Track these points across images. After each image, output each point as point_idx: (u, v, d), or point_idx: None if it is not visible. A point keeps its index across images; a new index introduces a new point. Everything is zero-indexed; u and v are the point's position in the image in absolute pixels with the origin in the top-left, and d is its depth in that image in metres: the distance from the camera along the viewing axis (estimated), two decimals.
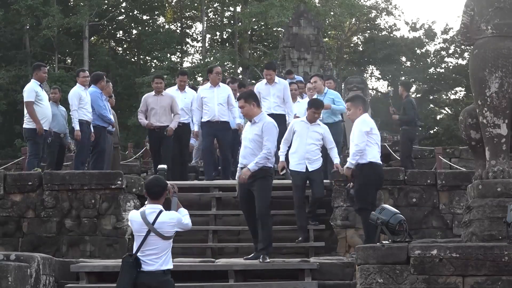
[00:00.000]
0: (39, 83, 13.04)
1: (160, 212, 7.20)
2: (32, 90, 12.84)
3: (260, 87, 13.31)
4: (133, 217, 7.29)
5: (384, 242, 8.22)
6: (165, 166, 9.29)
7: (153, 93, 13.90)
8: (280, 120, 12.29)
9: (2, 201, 11.44)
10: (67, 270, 9.55)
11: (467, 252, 7.61)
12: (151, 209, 7.24)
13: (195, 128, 13.56)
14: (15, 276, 8.06)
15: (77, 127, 13.00)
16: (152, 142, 14.05)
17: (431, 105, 42.18)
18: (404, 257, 7.73)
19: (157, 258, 7.14)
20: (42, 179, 11.49)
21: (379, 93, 44.37)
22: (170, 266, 7.23)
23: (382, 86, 46.11)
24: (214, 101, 13.07)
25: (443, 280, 7.60)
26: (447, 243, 8.22)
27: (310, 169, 11.00)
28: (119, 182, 11.39)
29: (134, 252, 7.14)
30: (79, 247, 11.29)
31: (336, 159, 11.29)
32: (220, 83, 13.39)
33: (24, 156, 15.62)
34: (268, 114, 11.94)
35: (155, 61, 37.46)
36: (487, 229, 8.28)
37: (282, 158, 11.20)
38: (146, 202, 7.48)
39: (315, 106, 11.26)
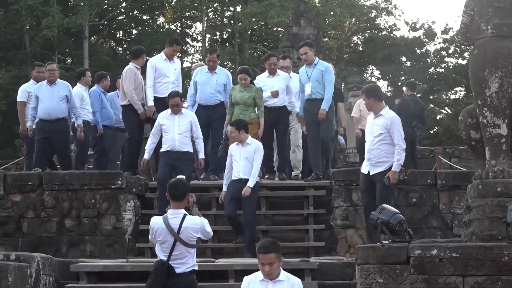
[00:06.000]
0: (36, 83, 13.11)
1: (184, 216, 7.18)
2: (24, 90, 13.02)
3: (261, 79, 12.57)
4: (157, 224, 7.24)
5: (384, 242, 8.23)
6: (183, 176, 9.22)
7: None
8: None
9: (2, 201, 11.46)
10: (67, 270, 9.56)
11: (467, 252, 7.61)
12: (173, 214, 7.21)
13: (145, 155, 11.67)
14: (15, 276, 8.07)
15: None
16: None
17: (431, 105, 42.14)
18: (404, 257, 7.73)
19: (184, 262, 7.19)
20: (42, 179, 11.51)
21: None
22: (195, 267, 7.30)
23: (382, 86, 46.06)
24: (174, 130, 11.37)
25: (443, 280, 7.60)
26: (447, 243, 8.22)
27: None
28: (119, 182, 11.42)
29: (166, 260, 7.15)
30: (79, 247, 11.32)
31: None
32: (184, 110, 11.64)
33: (24, 156, 15.67)
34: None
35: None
36: (487, 229, 8.28)
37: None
38: (168, 207, 7.42)
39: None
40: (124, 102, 12.40)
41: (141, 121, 12.37)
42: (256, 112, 11.94)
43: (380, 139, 9.94)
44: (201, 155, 11.64)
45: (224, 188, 11.22)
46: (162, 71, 12.34)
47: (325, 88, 12.04)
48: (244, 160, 10.94)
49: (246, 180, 10.84)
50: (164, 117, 11.48)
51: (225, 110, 12.64)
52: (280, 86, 12.48)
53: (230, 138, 11.51)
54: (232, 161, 11.05)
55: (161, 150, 11.44)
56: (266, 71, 12.85)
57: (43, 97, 12.60)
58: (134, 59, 12.64)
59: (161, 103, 12.06)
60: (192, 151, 11.53)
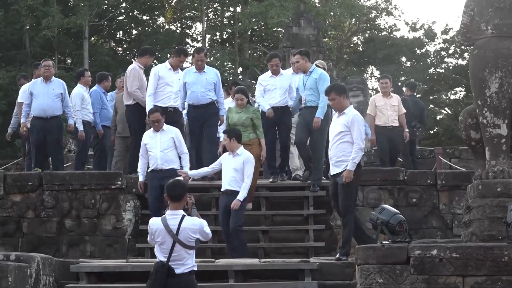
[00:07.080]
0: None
1: (183, 217, 7.18)
2: (25, 91, 12.95)
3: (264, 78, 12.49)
4: (155, 224, 7.23)
5: (384, 242, 8.23)
6: (181, 178, 9.21)
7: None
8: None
9: (2, 201, 11.47)
10: (67, 270, 9.56)
11: (467, 252, 7.62)
12: (172, 215, 7.20)
13: (139, 178, 11.32)
14: (15, 276, 8.07)
15: (80, 127, 13.00)
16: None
17: (431, 105, 42.15)
18: (404, 257, 7.74)
19: (183, 263, 7.18)
20: (42, 179, 11.51)
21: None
22: (195, 267, 7.29)
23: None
24: (156, 147, 11.14)
25: (443, 280, 7.61)
26: (447, 243, 8.24)
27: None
28: (119, 182, 11.43)
29: (166, 261, 7.15)
30: (79, 247, 11.33)
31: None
32: (165, 126, 11.26)
33: (24, 156, 15.68)
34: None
35: (155, 61, 37.41)
36: (487, 229, 8.29)
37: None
38: (166, 210, 7.41)
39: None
40: (129, 101, 12.26)
41: (145, 122, 12.30)
42: (256, 133, 11.69)
43: (339, 138, 9.55)
44: (187, 170, 11.23)
45: (190, 172, 11.07)
46: (165, 80, 12.08)
47: (320, 97, 11.61)
48: (232, 170, 10.65)
49: (232, 192, 10.61)
50: (148, 136, 11.32)
51: (217, 109, 12.59)
52: (284, 86, 12.37)
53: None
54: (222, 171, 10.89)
55: (148, 169, 11.30)
56: (269, 70, 12.68)
57: (38, 94, 12.54)
58: (139, 58, 12.65)
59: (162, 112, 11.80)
60: (178, 167, 11.26)
